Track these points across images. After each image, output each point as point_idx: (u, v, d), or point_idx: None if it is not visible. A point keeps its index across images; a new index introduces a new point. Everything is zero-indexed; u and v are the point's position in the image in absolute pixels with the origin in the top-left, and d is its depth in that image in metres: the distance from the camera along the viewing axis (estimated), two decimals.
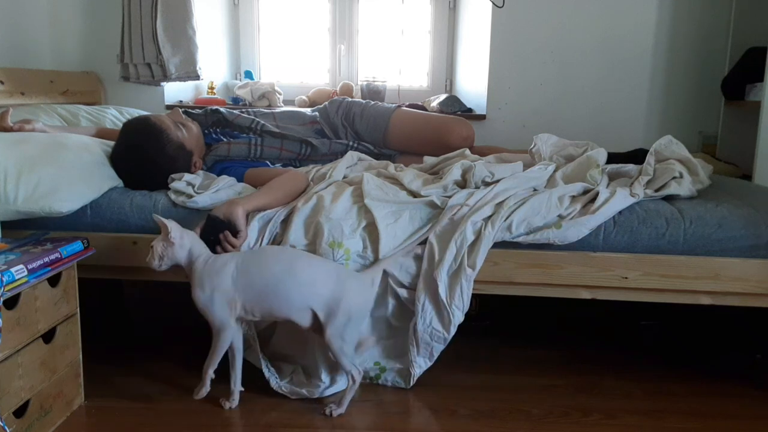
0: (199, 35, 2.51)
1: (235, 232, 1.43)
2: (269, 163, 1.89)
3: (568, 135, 1.90)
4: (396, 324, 1.52)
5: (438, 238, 1.48)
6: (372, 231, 1.48)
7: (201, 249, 1.37)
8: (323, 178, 1.71)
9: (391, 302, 1.50)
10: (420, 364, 1.50)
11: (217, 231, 1.41)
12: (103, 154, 1.68)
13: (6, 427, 1.15)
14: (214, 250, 1.41)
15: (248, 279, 1.33)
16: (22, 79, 2.15)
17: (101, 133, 1.91)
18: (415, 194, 1.58)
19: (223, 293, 1.33)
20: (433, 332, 1.46)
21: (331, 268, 1.39)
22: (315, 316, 1.35)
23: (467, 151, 1.84)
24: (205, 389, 1.40)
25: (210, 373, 1.39)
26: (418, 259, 1.48)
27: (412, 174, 1.67)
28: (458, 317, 1.46)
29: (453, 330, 1.46)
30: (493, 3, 2.57)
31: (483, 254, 1.45)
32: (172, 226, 1.35)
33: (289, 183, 1.63)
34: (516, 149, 2.01)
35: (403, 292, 1.48)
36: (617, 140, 2.32)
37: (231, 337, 1.36)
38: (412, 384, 1.50)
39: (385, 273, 1.47)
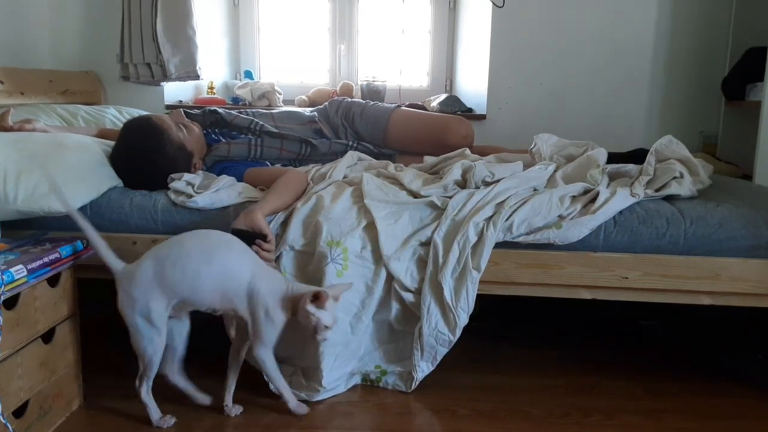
0: (199, 35, 2.51)
1: (263, 237, 1.42)
2: (268, 163, 1.89)
3: (568, 135, 1.90)
4: (398, 328, 1.52)
5: (442, 240, 1.47)
6: (371, 231, 1.48)
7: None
8: (323, 178, 1.70)
9: (395, 306, 1.49)
10: (423, 369, 1.49)
11: (248, 243, 1.39)
12: (102, 154, 1.67)
13: (8, 424, 1.15)
14: None
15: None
16: (22, 79, 2.15)
17: (102, 134, 1.91)
18: (415, 194, 1.58)
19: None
20: (439, 335, 1.46)
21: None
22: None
23: (467, 151, 1.83)
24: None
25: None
26: (422, 262, 1.48)
27: (412, 174, 1.67)
28: (463, 320, 1.45)
29: (458, 333, 1.46)
30: (493, 3, 2.57)
31: (486, 255, 1.45)
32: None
33: (294, 183, 1.62)
34: (516, 149, 2.01)
35: (408, 296, 1.47)
36: (617, 140, 2.32)
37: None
38: (413, 388, 1.50)
39: (390, 277, 1.46)
